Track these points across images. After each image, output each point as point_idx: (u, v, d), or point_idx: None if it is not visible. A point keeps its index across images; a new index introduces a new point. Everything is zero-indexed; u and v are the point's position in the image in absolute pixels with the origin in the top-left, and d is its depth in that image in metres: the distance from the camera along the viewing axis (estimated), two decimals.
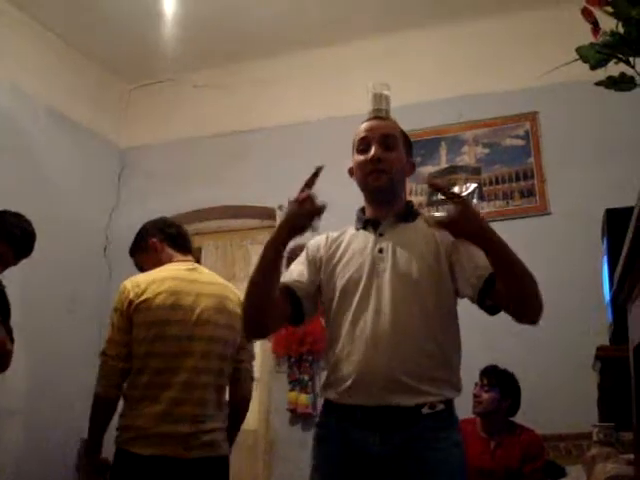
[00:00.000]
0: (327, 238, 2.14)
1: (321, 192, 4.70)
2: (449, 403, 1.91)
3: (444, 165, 4.54)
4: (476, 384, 3.44)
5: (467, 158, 4.49)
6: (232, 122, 5.17)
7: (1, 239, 2.70)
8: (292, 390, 4.47)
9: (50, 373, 4.60)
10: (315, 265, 2.09)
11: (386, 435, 1.83)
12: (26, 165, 4.59)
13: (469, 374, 3.56)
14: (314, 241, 2.17)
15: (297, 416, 4.44)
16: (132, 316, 2.58)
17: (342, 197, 4.66)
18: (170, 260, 2.80)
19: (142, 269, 2.88)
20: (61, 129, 4.90)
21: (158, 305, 2.59)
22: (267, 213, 5.01)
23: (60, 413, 4.62)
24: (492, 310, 1.90)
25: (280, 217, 4.81)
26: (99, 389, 2.62)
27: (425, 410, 1.83)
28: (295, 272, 2.09)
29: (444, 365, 1.92)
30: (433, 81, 4.63)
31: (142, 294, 2.59)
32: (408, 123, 4.51)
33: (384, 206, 2.08)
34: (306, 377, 4.45)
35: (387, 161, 2.04)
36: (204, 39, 4.95)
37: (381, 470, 1.83)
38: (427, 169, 4.55)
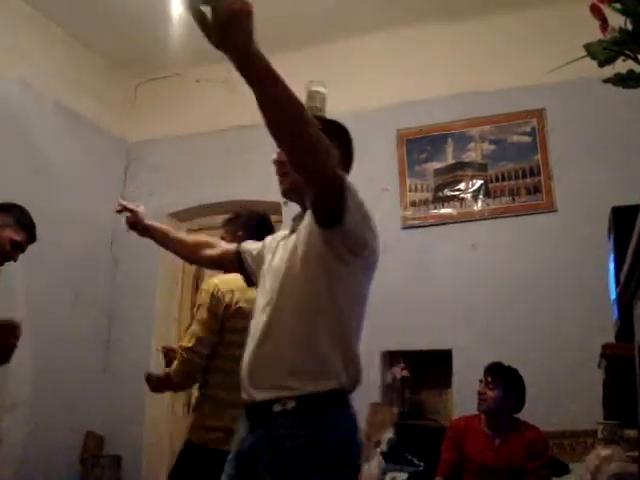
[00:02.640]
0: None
1: None
2: (312, 397, 1.73)
3: (450, 161, 4.53)
4: (480, 381, 3.44)
5: (473, 155, 4.48)
6: (238, 116, 5.16)
7: (22, 228, 2.74)
8: None
9: (56, 366, 4.62)
10: (259, 254, 2.16)
11: (250, 432, 1.81)
12: (33, 159, 4.60)
13: (473, 371, 3.58)
14: (276, 234, 2.20)
15: None
16: (225, 321, 2.64)
17: None
18: None
19: None
20: (68, 124, 4.91)
21: (247, 313, 2.62)
22: (273, 207, 5.00)
23: (65, 406, 4.65)
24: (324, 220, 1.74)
25: (285, 212, 4.85)
26: (178, 379, 2.70)
27: (277, 407, 1.73)
28: (253, 246, 2.22)
29: (305, 356, 1.77)
30: (439, 77, 4.62)
31: (236, 301, 2.66)
32: (414, 120, 4.58)
33: (300, 206, 2.01)
34: None
35: (285, 163, 1.95)
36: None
37: (244, 467, 1.80)
38: (433, 165, 4.55)
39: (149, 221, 2.45)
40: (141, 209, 2.45)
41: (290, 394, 1.73)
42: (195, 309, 2.77)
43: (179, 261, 5.32)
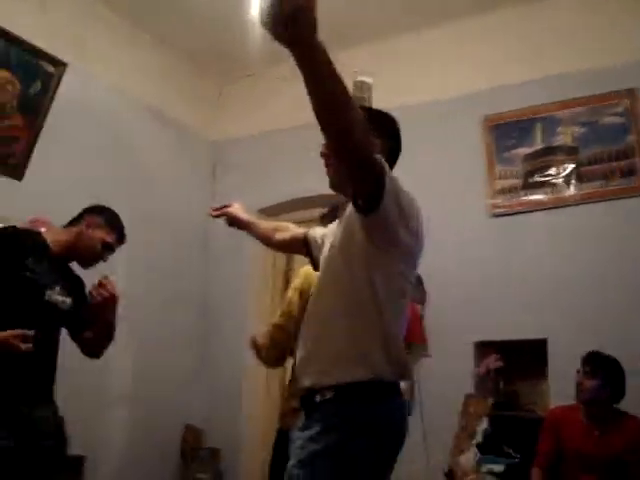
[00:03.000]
0: None
1: (414, 175, 4.67)
2: (349, 387, 1.74)
3: (539, 146, 4.41)
4: (578, 371, 3.36)
5: (563, 138, 4.35)
6: (312, 113, 5.19)
7: (113, 229, 2.84)
8: None
9: (154, 362, 4.78)
10: (322, 240, 2.20)
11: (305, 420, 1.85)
12: (127, 164, 4.78)
13: (570, 361, 3.50)
14: None
15: None
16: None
17: (434, 181, 4.63)
18: None
19: None
20: (159, 127, 5.07)
21: None
22: None
23: (164, 401, 4.80)
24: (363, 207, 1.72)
25: None
26: (265, 354, 2.82)
27: (318, 398, 1.77)
28: (319, 232, 2.27)
29: (345, 345, 1.78)
30: (526, 61, 4.49)
31: None
32: (500, 105, 4.48)
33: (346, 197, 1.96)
34: None
35: (329, 155, 1.97)
36: None
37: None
38: (522, 151, 4.44)
39: (243, 215, 2.56)
40: (235, 206, 2.57)
41: (330, 382, 1.75)
42: (289, 291, 2.81)
43: (270, 258, 5.44)
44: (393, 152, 2.03)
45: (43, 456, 2.58)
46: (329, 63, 1.53)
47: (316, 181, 4.90)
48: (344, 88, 1.55)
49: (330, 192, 5.17)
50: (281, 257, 5.37)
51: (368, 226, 1.75)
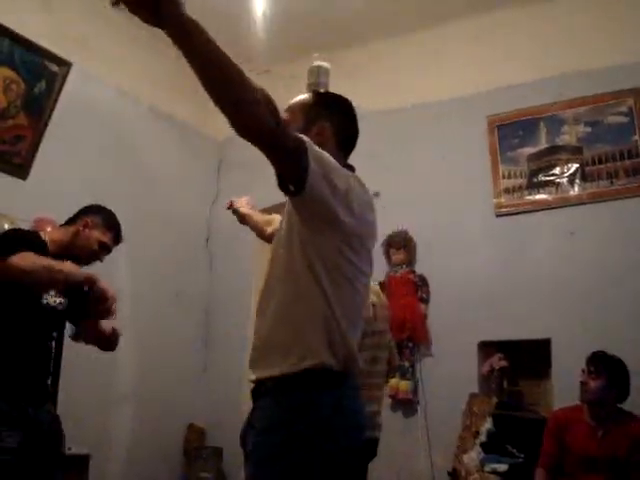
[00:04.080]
0: None
1: (418, 176, 4.64)
2: (290, 377, 1.66)
3: (544, 146, 4.41)
4: (583, 371, 3.35)
5: (568, 138, 4.34)
6: None
7: (109, 229, 2.83)
8: (392, 376, 4.47)
9: (159, 360, 4.79)
10: None
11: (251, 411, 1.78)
12: (131, 163, 4.79)
13: (573, 361, 3.49)
14: None
15: (398, 402, 4.45)
16: None
17: (438, 181, 4.63)
18: None
19: None
20: (162, 126, 5.08)
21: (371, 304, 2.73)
22: None
23: (167, 400, 4.81)
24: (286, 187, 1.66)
25: (376, 203, 4.85)
26: None
27: (261, 388, 1.72)
28: None
29: (286, 334, 1.70)
30: (528, 61, 4.49)
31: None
32: (504, 105, 4.47)
33: None
34: (406, 363, 4.45)
35: None
36: (298, 30, 4.99)
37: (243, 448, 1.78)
38: (526, 150, 4.44)
39: (242, 209, 2.65)
40: (244, 200, 2.69)
41: (271, 373, 1.68)
42: None
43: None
44: (345, 134, 1.96)
45: (48, 455, 2.60)
46: (207, 40, 1.50)
47: None
48: (232, 65, 1.51)
49: None
50: None
51: (298, 208, 1.69)
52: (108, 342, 2.80)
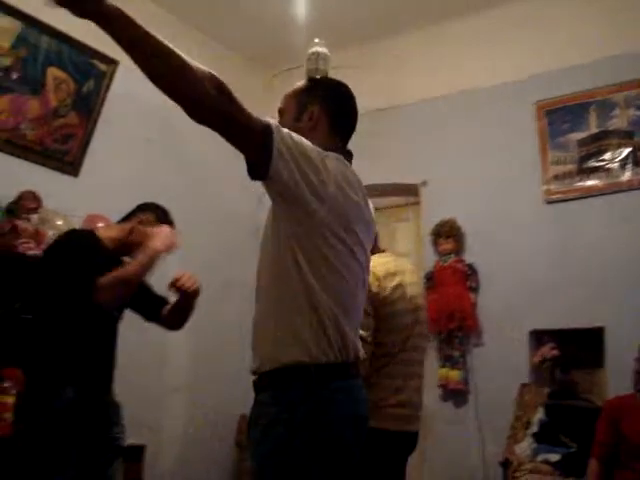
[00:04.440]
0: None
1: (465, 163, 4.59)
2: (284, 370, 1.66)
3: (594, 131, 4.32)
4: (636, 360, 3.29)
5: (618, 122, 4.24)
6: (371, 101, 5.15)
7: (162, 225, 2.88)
8: (443, 366, 4.46)
9: (211, 352, 4.85)
10: None
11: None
12: (178, 157, 4.85)
13: (628, 349, 3.43)
14: None
15: (448, 392, 4.44)
16: (376, 307, 2.64)
17: (486, 169, 4.58)
18: (372, 252, 2.86)
19: None
20: None
21: (394, 300, 2.68)
22: (411, 190, 5.01)
23: (220, 390, 4.87)
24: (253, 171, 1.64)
25: (423, 193, 4.83)
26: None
27: (259, 382, 1.74)
28: None
29: (276, 326, 1.70)
30: (578, 44, 4.39)
31: (384, 289, 2.66)
32: (554, 89, 4.40)
33: None
34: (457, 353, 4.43)
35: None
36: (339, 20, 4.98)
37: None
38: (576, 136, 4.36)
39: None
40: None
41: (269, 367, 1.69)
42: None
43: None
44: (338, 117, 1.94)
45: (112, 443, 2.74)
46: (136, 29, 1.50)
47: (372, 170, 4.93)
48: (169, 52, 1.50)
49: (385, 181, 5.18)
50: None
51: (271, 194, 1.67)
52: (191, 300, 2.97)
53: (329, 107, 1.91)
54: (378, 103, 5.13)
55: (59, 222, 3.97)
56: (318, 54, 2.24)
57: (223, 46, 5.34)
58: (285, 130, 1.61)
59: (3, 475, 3.25)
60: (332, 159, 1.71)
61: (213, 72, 1.54)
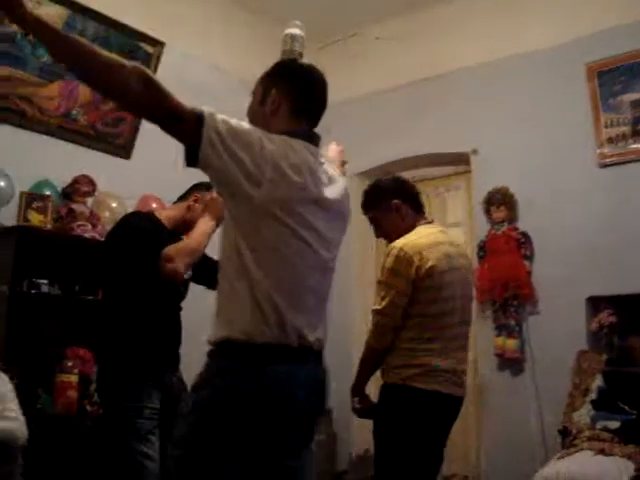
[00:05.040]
0: None
1: (515, 130, 4.53)
2: (215, 345, 1.74)
3: None
4: None
5: None
6: (419, 70, 5.13)
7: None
8: (498, 335, 4.44)
9: None
10: None
11: None
12: None
13: None
14: None
15: (505, 361, 4.41)
16: (417, 282, 2.67)
17: (537, 134, 4.50)
18: (416, 222, 2.87)
19: (378, 226, 2.98)
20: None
21: (440, 271, 2.70)
22: (461, 158, 4.96)
23: None
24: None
25: (474, 161, 4.78)
26: (374, 342, 2.78)
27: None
28: None
29: (219, 302, 1.77)
30: (628, 1, 4.26)
31: (426, 261, 2.67)
32: (604, 50, 4.28)
33: None
34: (512, 322, 4.39)
35: None
36: None
37: None
38: (629, 97, 4.23)
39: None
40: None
41: (213, 340, 1.75)
42: (383, 273, 2.76)
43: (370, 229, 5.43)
44: (300, 99, 1.93)
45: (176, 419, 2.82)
46: (52, 32, 1.58)
47: (421, 140, 4.95)
48: (94, 54, 1.59)
49: (434, 150, 5.16)
50: None
51: (210, 180, 1.77)
52: None
53: (290, 91, 1.92)
54: (424, 72, 5.08)
55: (113, 204, 4.06)
56: (292, 36, 2.27)
57: (268, 22, 5.33)
58: (220, 117, 1.66)
59: (70, 450, 3.37)
60: (275, 142, 1.73)
61: (139, 66, 1.62)
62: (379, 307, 2.72)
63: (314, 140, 1.91)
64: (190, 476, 1.68)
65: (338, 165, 2.28)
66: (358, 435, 5.03)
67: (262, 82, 1.97)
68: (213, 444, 1.66)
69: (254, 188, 1.67)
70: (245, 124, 1.73)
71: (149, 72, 1.64)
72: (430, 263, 2.66)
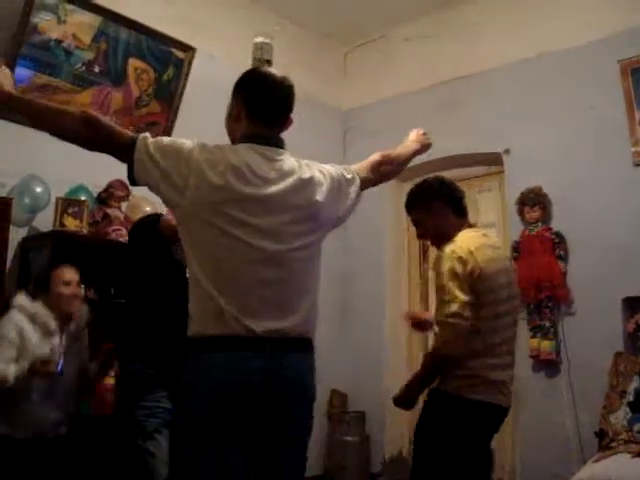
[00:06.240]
0: None
1: (549, 129, 4.48)
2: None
3: None
4: None
5: None
6: (448, 70, 5.11)
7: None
8: (533, 337, 4.40)
9: None
10: None
11: None
12: None
13: None
14: None
15: (540, 363, 4.37)
16: (475, 283, 2.64)
17: (570, 133, 4.45)
18: (460, 226, 2.84)
19: (420, 227, 2.96)
20: None
21: (491, 274, 2.69)
22: (493, 158, 4.92)
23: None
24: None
25: (507, 161, 4.73)
26: (448, 350, 2.63)
27: None
28: None
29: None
30: None
31: (479, 264, 2.65)
32: (638, 47, 4.20)
33: None
34: (547, 323, 4.34)
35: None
36: None
37: None
38: None
39: None
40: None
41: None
42: (440, 278, 2.69)
43: (404, 223, 5.43)
44: (254, 104, 2.06)
45: None
46: (27, 105, 2.00)
47: (452, 140, 4.92)
48: (44, 108, 1.98)
49: (466, 151, 5.12)
50: None
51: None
52: None
53: (244, 97, 2.07)
54: (454, 72, 5.06)
55: (147, 208, 4.10)
56: (261, 44, 2.40)
57: (296, 25, 5.36)
58: (151, 140, 1.91)
59: (107, 450, 3.42)
60: (210, 150, 1.95)
61: (85, 111, 1.95)
62: (453, 311, 2.59)
63: (269, 140, 2.04)
64: (172, 455, 2.01)
65: (418, 142, 2.58)
66: (391, 437, 5.03)
67: (232, 95, 2.13)
68: (183, 429, 1.88)
69: (180, 197, 1.87)
70: (180, 142, 1.95)
71: (93, 114, 1.92)
72: (482, 266, 2.65)
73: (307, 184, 2.04)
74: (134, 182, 1.92)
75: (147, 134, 1.93)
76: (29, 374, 2.90)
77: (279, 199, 1.95)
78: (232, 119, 2.10)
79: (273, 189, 1.94)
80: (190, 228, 1.91)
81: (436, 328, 2.70)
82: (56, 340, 3.13)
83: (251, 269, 1.89)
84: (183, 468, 1.86)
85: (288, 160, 2.06)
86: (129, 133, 1.94)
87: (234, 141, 2.07)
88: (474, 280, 2.62)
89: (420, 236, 3.02)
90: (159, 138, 1.94)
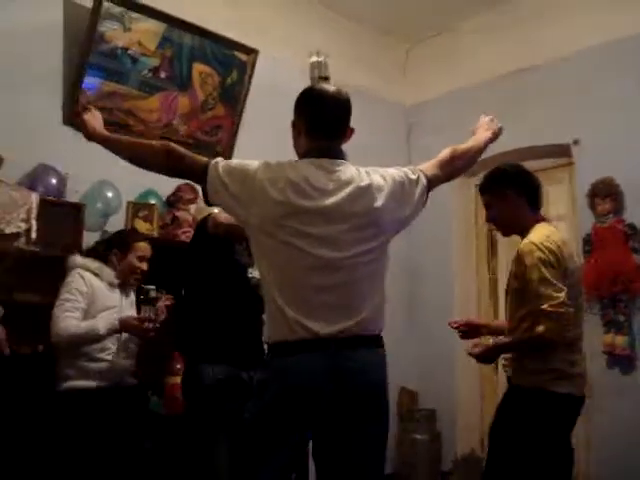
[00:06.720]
0: None
1: (619, 118, 4.38)
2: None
3: None
4: None
5: None
6: (513, 62, 5.02)
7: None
8: (607, 332, 4.29)
9: None
10: None
11: None
12: None
13: None
14: None
15: (614, 359, 4.26)
16: (564, 277, 2.64)
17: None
18: (534, 219, 2.82)
19: (490, 211, 2.95)
20: (352, 100, 5.16)
21: (573, 269, 2.72)
22: (562, 150, 4.82)
23: None
24: None
25: (576, 152, 4.63)
26: (554, 335, 2.58)
27: None
28: None
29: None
30: None
31: (563, 258, 2.66)
32: None
33: None
34: (622, 318, 4.23)
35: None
36: None
37: None
38: None
39: None
40: None
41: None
42: (530, 271, 2.64)
43: (472, 217, 5.38)
44: (311, 121, 2.18)
45: None
46: (117, 143, 2.27)
47: (519, 133, 4.85)
48: (138, 148, 2.21)
49: (534, 143, 5.03)
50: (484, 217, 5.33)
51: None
52: None
53: (303, 114, 2.20)
54: (520, 64, 4.97)
55: (215, 211, 4.15)
56: (316, 63, 2.48)
57: (357, 23, 5.35)
58: (222, 164, 2.10)
59: (174, 450, 3.49)
60: (273, 169, 2.08)
61: (165, 143, 2.18)
62: (562, 299, 2.56)
63: (328, 153, 2.16)
64: (237, 451, 2.14)
65: (489, 129, 2.65)
66: (463, 435, 4.98)
67: (293, 112, 2.25)
68: (258, 419, 2.02)
69: (247, 214, 2.05)
70: (246, 163, 2.11)
71: (172, 147, 2.13)
72: (568, 261, 2.67)
73: (365, 192, 2.11)
74: (208, 203, 2.14)
75: (219, 159, 2.12)
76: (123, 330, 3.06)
77: (337, 209, 2.05)
78: (295, 134, 2.24)
79: (331, 200, 2.04)
80: (258, 241, 2.07)
81: (525, 323, 2.67)
82: (118, 296, 3.26)
83: (310, 276, 2.01)
84: (247, 468, 2.02)
85: (347, 170, 2.14)
86: (203, 159, 2.13)
87: (299, 155, 2.21)
88: (564, 274, 2.63)
89: (488, 220, 3.01)
90: (229, 161, 2.13)
